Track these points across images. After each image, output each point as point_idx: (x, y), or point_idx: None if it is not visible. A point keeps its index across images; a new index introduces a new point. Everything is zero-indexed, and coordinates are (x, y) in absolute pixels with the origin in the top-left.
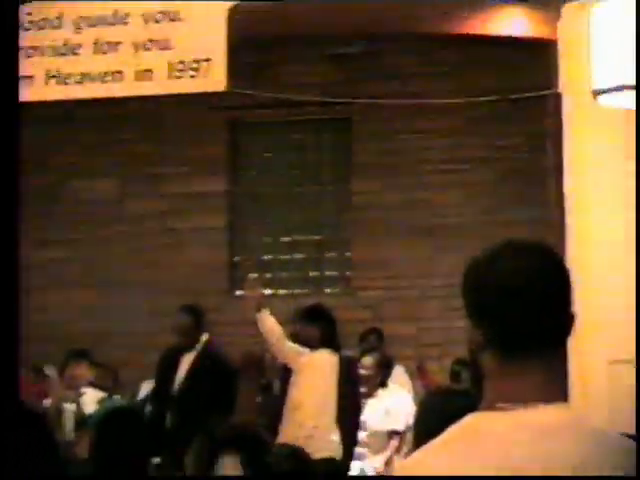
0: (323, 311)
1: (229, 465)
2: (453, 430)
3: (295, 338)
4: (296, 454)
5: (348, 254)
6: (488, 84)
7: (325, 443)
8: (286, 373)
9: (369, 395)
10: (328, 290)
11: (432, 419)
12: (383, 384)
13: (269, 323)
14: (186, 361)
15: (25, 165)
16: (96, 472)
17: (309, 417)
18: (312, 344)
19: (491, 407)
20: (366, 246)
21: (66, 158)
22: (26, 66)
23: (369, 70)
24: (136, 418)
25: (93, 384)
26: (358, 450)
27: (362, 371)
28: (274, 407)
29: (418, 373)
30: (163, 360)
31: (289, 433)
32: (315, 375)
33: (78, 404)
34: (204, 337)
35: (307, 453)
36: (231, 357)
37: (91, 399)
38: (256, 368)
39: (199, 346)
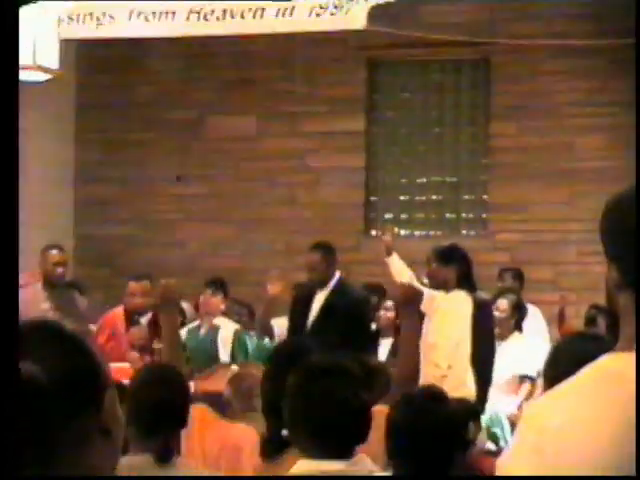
0: (459, 252)
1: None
2: (585, 371)
3: (430, 279)
4: (434, 394)
5: (485, 197)
6: (632, 25)
7: (459, 383)
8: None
9: (503, 338)
10: (464, 232)
11: (563, 363)
12: (518, 327)
13: (399, 267)
14: (319, 298)
15: (164, 100)
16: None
17: (443, 357)
18: (447, 285)
19: (626, 348)
20: (503, 189)
21: (205, 94)
22: (168, 2)
23: (511, 10)
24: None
25: (227, 316)
26: (492, 392)
27: (496, 313)
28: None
29: (558, 318)
30: (296, 297)
31: (427, 373)
32: (449, 316)
33: (212, 333)
34: (337, 274)
35: (444, 392)
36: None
37: (227, 331)
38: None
39: (332, 283)
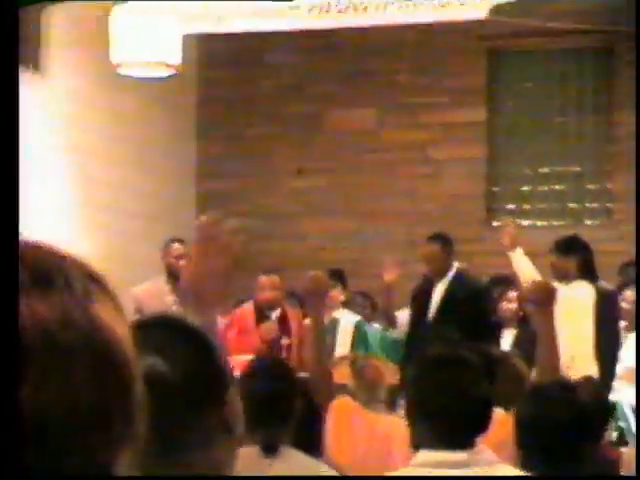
0: (580, 242)
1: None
2: None
3: (553, 269)
4: (564, 385)
5: (609, 186)
6: None
7: (583, 374)
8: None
9: (630, 329)
10: (588, 222)
11: None
12: None
13: (523, 263)
14: (439, 290)
15: (284, 93)
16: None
17: (566, 348)
18: (568, 276)
19: None
20: (628, 177)
21: (325, 87)
22: None
23: None
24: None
25: (349, 308)
26: (616, 384)
27: (624, 304)
28: (531, 338)
29: None
30: (417, 289)
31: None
32: (571, 307)
33: (332, 325)
34: (455, 265)
35: (573, 382)
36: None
37: (346, 323)
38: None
39: (451, 274)
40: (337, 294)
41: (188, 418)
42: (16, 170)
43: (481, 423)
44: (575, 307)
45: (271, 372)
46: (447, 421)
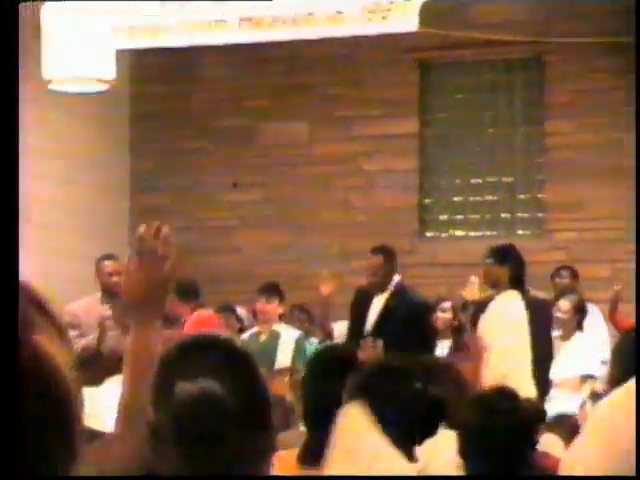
0: (514, 252)
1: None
2: None
3: (485, 276)
4: (507, 394)
5: (541, 195)
6: None
7: (520, 384)
8: (477, 315)
9: (565, 338)
10: (520, 232)
11: (630, 360)
12: (579, 327)
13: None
14: (378, 302)
15: (217, 107)
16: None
17: (501, 358)
18: (500, 284)
19: None
20: (559, 187)
21: (258, 101)
22: (220, 10)
23: (562, 9)
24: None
25: (289, 321)
26: (555, 393)
27: (558, 314)
28: (464, 350)
29: (610, 309)
30: (356, 301)
31: (486, 374)
32: (502, 317)
33: (273, 339)
34: (396, 278)
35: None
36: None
37: (288, 337)
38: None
39: (391, 287)
40: (274, 308)
41: (241, 439)
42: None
43: (429, 426)
44: (505, 317)
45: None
46: (400, 430)
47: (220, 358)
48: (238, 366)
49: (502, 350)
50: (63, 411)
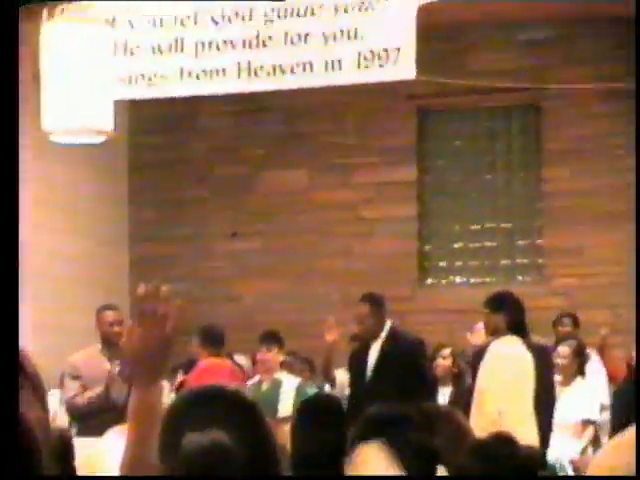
0: (509, 298)
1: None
2: None
3: (484, 325)
4: (507, 440)
5: (540, 241)
6: None
7: (513, 429)
8: (476, 361)
9: (565, 383)
10: (520, 278)
11: (630, 409)
12: (580, 372)
13: None
14: (374, 349)
15: (216, 156)
16: (295, 458)
17: (492, 403)
18: (498, 332)
19: None
20: (558, 233)
21: (256, 149)
22: (217, 60)
23: (560, 55)
24: (339, 407)
25: (289, 369)
26: (555, 437)
27: (558, 360)
28: (465, 396)
29: (600, 357)
30: (354, 351)
31: (477, 420)
32: (499, 361)
33: (274, 388)
34: (388, 324)
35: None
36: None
37: (289, 385)
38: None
39: (383, 334)
40: (275, 357)
41: None
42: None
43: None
44: (503, 361)
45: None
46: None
47: (227, 408)
48: (245, 416)
49: (498, 392)
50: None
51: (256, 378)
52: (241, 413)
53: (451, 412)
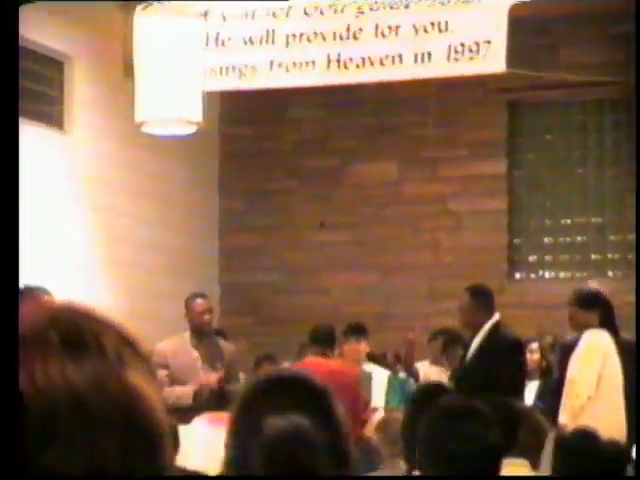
0: (601, 296)
1: None
2: None
3: (571, 321)
4: (588, 435)
5: (631, 237)
6: None
7: (601, 415)
8: (564, 355)
9: None
10: (610, 273)
11: None
12: None
13: None
14: (474, 342)
15: (305, 148)
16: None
17: (583, 389)
18: (589, 328)
19: None
20: None
21: (346, 141)
22: (307, 52)
23: None
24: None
25: (374, 361)
26: None
27: None
28: (553, 389)
29: None
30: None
31: (567, 405)
32: (589, 350)
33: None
34: (494, 318)
35: (595, 432)
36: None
37: (379, 376)
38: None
39: (486, 327)
40: (364, 348)
41: (331, 472)
42: (16, 220)
43: (489, 471)
44: (593, 351)
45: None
46: (456, 469)
47: (304, 394)
48: (321, 401)
49: (589, 380)
50: (155, 452)
51: None
52: (317, 399)
53: (531, 411)
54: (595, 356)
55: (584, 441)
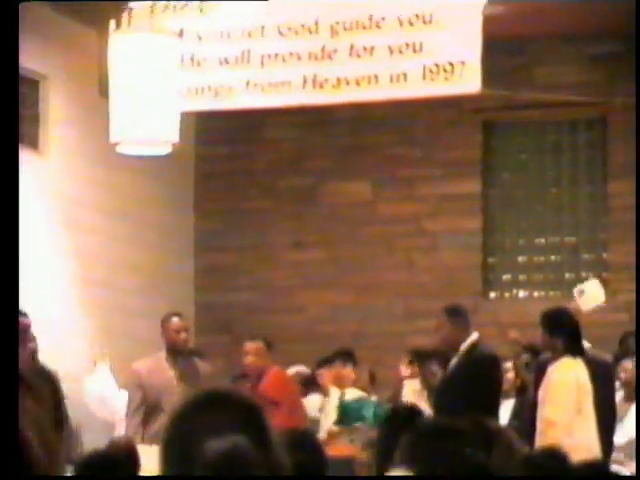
0: (565, 318)
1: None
2: None
3: (542, 343)
4: (554, 455)
5: (605, 256)
6: None
7: (583, 452)
8: (539, 374)
9: (629, 399)
10: None
11: None
12: None
13: None
14: (453, 361)
15: (280, 168)
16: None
17: (564, 431)
18: (556, 351)
19: None
20: (623, 247)
21: (321, 161)
22: (283, 72)
23: (626, 69)
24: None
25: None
26: (615, 456)
27: (622, 374)
28: (528, 409)
29: None
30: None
31: (540, 432)
32: (562, 388)
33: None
34: (472, 337)
35: (564, 453)
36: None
37: (352, 398)
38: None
39: (464, 346)
40: (349, 373)
41: None
42: (16, 250)
43: None
44: (565, 388)
45: (303, 444)
46: None
47: (238, 412)
48: (255, 419)
49: (564, 424)
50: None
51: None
52: (251, 416)
53: (504, 430)
54: (562, 395)
55: (553, 461)
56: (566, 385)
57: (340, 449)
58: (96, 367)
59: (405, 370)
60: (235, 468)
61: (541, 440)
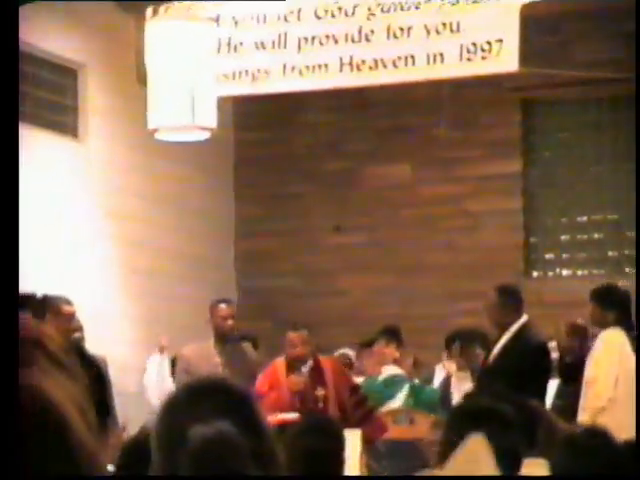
0: (618, 293)
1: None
2: None
3: (592, 318)
4: (595, 433)
5: None
6: None
7: (621, 418)
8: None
9: None
10: (627, 270)
11: None
12: None
13: None
14: (500, 342)
15: (320, 151)
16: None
17: (604, 390)
18: (606, 326)
19: None
20: None
21: (360, 144)
22: (320, 55)
23: None
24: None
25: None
26: None
27: None
28: (572, 389)
29: None
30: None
31: (586, 406)
32: (607, 352)
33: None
34: (521, 319)
35: (607, 430)
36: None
37: (384, 377)
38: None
39: (513, 328)
40: (392, 351)
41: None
42: (16, 231)
43: (508, 471)
44: (610, 352)
45: (322, 429)
46: None
47: (228, 400)
48: (246, 407)
49: (608, 380)
50: (59, 440)
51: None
52: (242, 404)
53: (546, 412)
54: (612, 357)
55: (595, 440)
56: (611, 350)
57: (402, 430)
58: (154, 356)
59: (450, 365)
60: (219, 454)
61: (583, 402)
